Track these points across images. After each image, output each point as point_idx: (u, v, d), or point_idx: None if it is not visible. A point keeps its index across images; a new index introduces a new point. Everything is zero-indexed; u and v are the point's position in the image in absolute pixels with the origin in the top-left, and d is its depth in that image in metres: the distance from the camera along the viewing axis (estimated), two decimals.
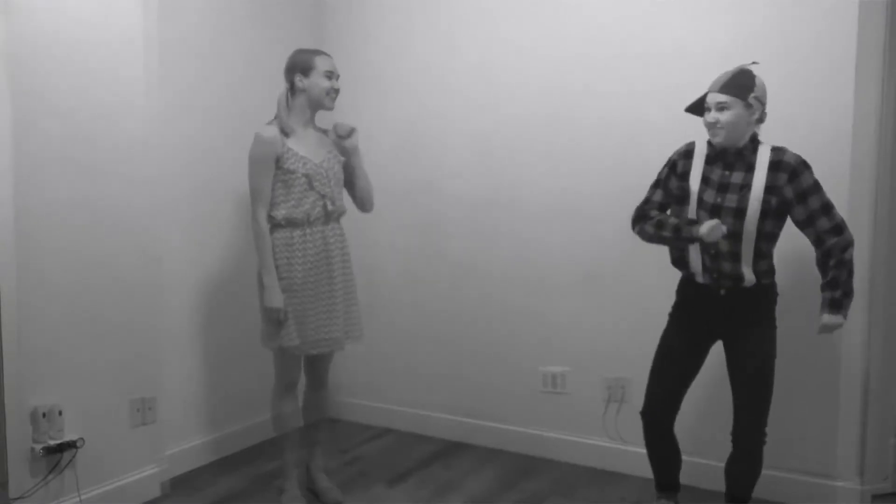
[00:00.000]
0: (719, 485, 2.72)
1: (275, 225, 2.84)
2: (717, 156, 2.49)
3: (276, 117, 2.87)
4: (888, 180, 2.86)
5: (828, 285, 2.41)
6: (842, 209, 2.81)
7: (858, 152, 2.80)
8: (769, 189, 2.40)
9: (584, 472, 3.36)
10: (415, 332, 3.85)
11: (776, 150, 2.44)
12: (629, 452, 3.31)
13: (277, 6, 3.74)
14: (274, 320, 2.83)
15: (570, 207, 3.38)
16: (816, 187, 2.41)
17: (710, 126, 2.43)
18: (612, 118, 3.21)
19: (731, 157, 2.46)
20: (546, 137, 3.41)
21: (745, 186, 2.41)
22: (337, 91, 2.91)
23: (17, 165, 2.58)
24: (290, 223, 2.83)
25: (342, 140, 2.93)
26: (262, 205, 2.82)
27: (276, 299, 2.80)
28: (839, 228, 2.41)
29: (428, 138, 3.73)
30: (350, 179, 3.01)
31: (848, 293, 2.41)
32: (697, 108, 2.51)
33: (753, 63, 2.47)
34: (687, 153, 2.55)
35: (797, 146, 2.84)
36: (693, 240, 2.43)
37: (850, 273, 2.41)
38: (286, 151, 2.81)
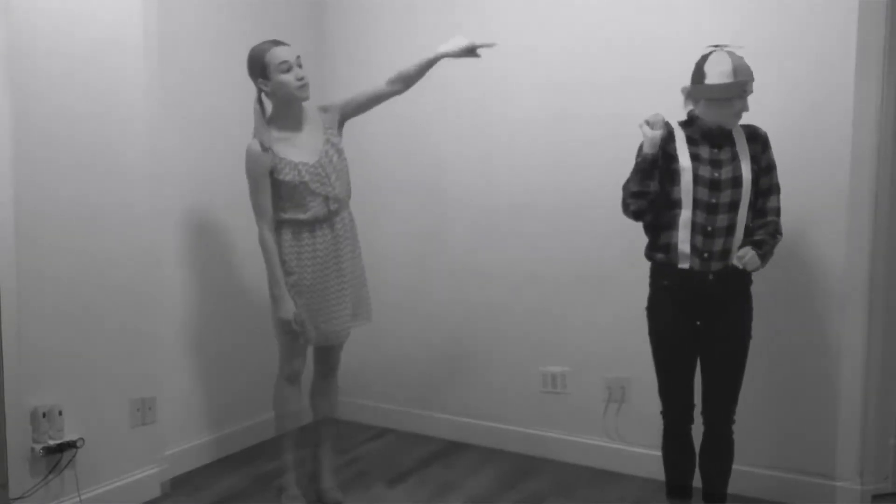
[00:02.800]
0: (734, 487, 2.72)
1: (282, 222, 2.80)
2: (700, 137, 2.53)
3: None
4: (888, 180, 2.86)
5: (756, 244, 2.45)
6: (842, 209, 2.83)
7: (858, 152, 2.80)
8: (753, 158, 2.50)
9: (584, 472, 3.36)
10: (415, 332, 3.85)
11: (746, 126, 2.53)
12: (629, 452, 3.31)
13: (277, 7, 3.74)
14: (289, 331, 2.80)
15: (569, 207, 3.37)
16: (775, 165, 2.54)
17: (736, 115, 2.47)
18: (613, 118, 3.20)
19: (717, 135, 2.51)
20: (546, 138, 3.41)
21: (735, 158, 2.49)
22: (303, 79, 2.73)
23: (17, 166, 2.58)
24: (298, 223, 2.81)
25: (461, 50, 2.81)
26: (264, 219, 2.79)
27: (287, 310, 2.78)
28: (779, 212, 2.53)
29: (428, 139, 3.73)
30: (404, 71, 2.90)
31: (765, 257, 2.46)
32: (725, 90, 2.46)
33: (739, 47, 2.50)
34: (670, 136, 2.56)
35: (797, 146, 2.86)
36: (649, 151, 2.49)
37: (770, 252, 2.49)
38: (278, 162, 2.76)
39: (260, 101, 2.82)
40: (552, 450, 3.49)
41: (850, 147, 2.80)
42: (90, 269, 2.84)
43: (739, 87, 2.42)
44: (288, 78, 2.72)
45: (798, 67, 2.87)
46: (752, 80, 2.45)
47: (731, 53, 2.45)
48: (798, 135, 2.86)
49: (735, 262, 2.43)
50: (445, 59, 2.92)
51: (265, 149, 2.74)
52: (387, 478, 3.32)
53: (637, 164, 2.54)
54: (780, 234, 2.51)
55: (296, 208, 2.79)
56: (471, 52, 2.87)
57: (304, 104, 2.85)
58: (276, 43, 2.77)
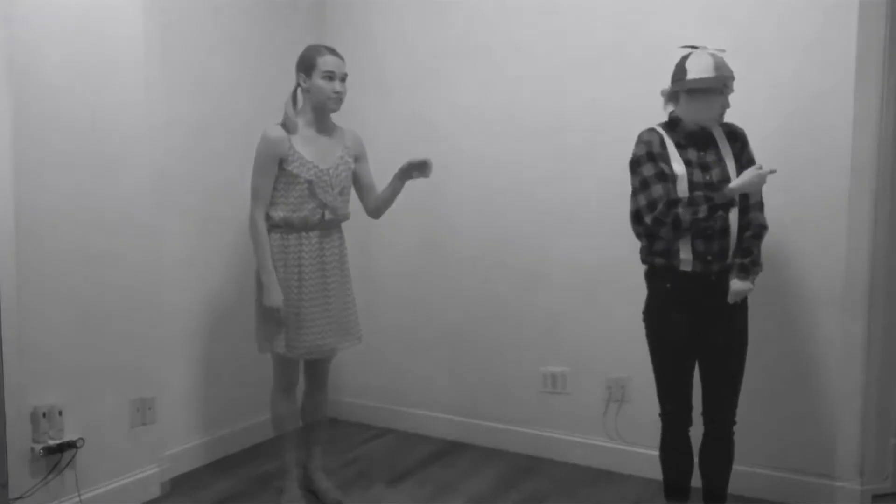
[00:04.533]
0: (734, 487, 2.72)
1: (272, 225, 2.83)
2: (686, 140, 2.52)
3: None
4: (888, 180, 2.86)
5: (740, 252, 2.48)
6: (842, 209, 2.83)
7: (858, 152, 2.80)
8: (735, 157, 2.51)
9: (584, 472, 3.36)
10: (415, 332, 3.85)
11: (724, 124, 2.54)
12: (629, 452, 3.31)
13: (278, 5, 3.74)
14: (274, 319, 2.82)
15: (570, 208, 3.38)
16: (754, 161, 2.52)
17: (719, 113, 2.48)
18: (614, 119, 3.21)
19: (700, 137, 2.52)
20: (548, 137, 3.41)
21: (721, 159, 2.50)
22: (339, 93, 2.83)
23: (17, 165, 2.58)
24: (287, 226, 2.82)
25: (411, 173, 2.90)
26: (260, 204, 2.81)
27: (276, 298, 2.79)
28: (762, 206, 2.52)
29: (429, 138, 3.73)
30: (381, 193, 3.01)
31: (756, 262, 2.50)
32: (711, 83, 2.45)
33: (721, 51, 2.49)
34: (662, 142, 2.54)
35: (797, 147, 2.87)
36: (729, 201, 2.40)
37: (759, 249, 2.51)
38: (292, 154, 2.79)
39: (294, 94, 2.88)
40: (552, 450, 3.49)
41: (850, 147, 2.80)
42: (90, 269, 2.84)
43: (721, 80, 2.44)
44: (326, 86, 2.80)
45: (798, 67, 2.87)
46: (733, 77, 2.46)
47: (711, 52, 2.47)
48: (798, 135, 2.86)
49: (730, 301, 2.48)
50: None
51: (289, 131, 2.80)
52: (387, 478, 3.32)
53: (700, 212, 2.39)
54: (765, 226, 2.52)
55: (290, 205, 2.80)
56: (417, 169, 2.91)
57: (333, 117, 2.94)
58: (332, 52, 2.85)
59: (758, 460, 3.02)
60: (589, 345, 3.38)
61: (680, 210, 2.41)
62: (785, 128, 2.82)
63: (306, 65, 2.82)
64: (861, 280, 2.83)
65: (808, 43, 2.85)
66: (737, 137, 2.52)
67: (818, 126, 2.85)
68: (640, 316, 2.66)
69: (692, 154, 2.50)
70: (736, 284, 2.47)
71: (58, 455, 2.73)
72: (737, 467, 2.67)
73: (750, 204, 2.50)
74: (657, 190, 2.45)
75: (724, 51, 2.49)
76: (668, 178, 2.46)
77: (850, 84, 2.78)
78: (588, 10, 3.28)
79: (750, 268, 2.48)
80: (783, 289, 2.94)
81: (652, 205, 2.45)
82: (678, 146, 2.52)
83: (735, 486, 2.78)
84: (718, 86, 2.44)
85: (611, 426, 3.37)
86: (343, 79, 2.85)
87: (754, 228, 2.50)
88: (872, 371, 2.88)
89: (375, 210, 3.07)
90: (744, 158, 2.51)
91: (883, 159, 2.82)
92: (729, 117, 2.55)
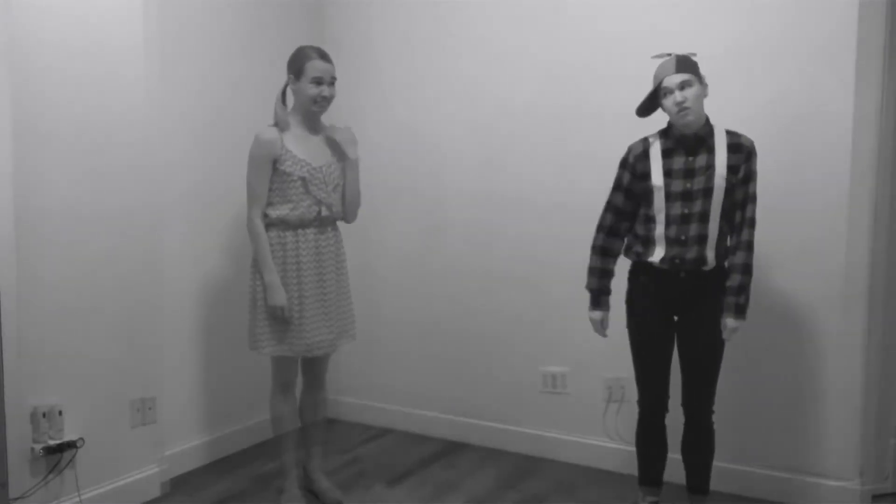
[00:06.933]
0: (734, 488, 2.71)
1: (269, 224, 2.84)
2: (676, 145, 2.52)
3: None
4: (888, 180, 2.86)
5: (735, 290, 2.49)
6: (842, 209, 2.83)
7: (858, 152, 2.80)
8: (730, 168, 2.47)
9: (584, 472, 3.36)
10: (415, 332, 3.85)
11: (732, 133, 2.51)
12: (629, 452, 3.30)
13: (279, 7, 3.74)
14: (278, 318, 2.82)
15: (570, 207, 3.37)
16: (756, 175, 2.51)
17: (678, 106, 2.43)
18: (613, 118, 3.21)
19: (692, 142, 2.50)
20: (546, 137, 3.41)
21: (710, 167, 2.48)
22: (325, 98, 2.83)
23: (17, 166, 2.57)
24: (284, 224, 2.83)
25: (343, 143, 2.90)
26: (257, 205, 2.82)
27: (280, 297, 2.80)
28: (753, 221, 2.51)
29: (429, 138, 3.73)
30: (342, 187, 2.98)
31: (748, 296, 2.52)
32: (649, 106, 2.55)
33: (692, 54, 2.51)
34: (644, 154, 2.57)
35: (797, 147, 2.86)
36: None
37: (751, 275, 2.51)
38: (284, 153, 2.80)
39: (283, 93, 2.89)
40: (552, 450, 3.49)
41: (850, 147, 2.80)
42: (90, 269, 2.84)
43: (652, 97, 2.50)
44: (312, 90, 2.81)
45: (798, 67, 2.87)
46: (684, 73, 2.43)
47: (667, 57, 2.49)
48: (798, 135, 2.86)
49: (725, 338, 2.54)
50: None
51: (281, 129, 2.82)
52: (387, 478, 3.32)
53: (592, 280, 2.71)
54: (752, 249, 2.51)
55: (286, 204, 2.82)
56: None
57: (323, 118, 2.95)
58: (322, 56, 2.84)
59: (758, 460, 3.02)
60: (589, 345, 3.37)
61: (594, 255, 2.69)
62: (785, 128, 2.82)
63: (295, 67, 2.83)
64: (861, 280, 2.83)
65: (808, 44, 2.85)
66: (740, 149, 2.48)
67: (818, 126, 2.84)
68: None
69: (678, 161, 2.52)
70: (732, 323, 2.50)
71: (58, 455, 2.73)
72: (736, 467, 2.67)
73: (745, 217, 2.48)
74: (609, 197, 2.66)
75: (695, 54, 2.52)
76: (623, 189, 2.61)
77: (850, 85, 2.78)
78: (588, 12, 3.28)
79: (745, 306, 2.50)
80: (783, 288, 2.94)
81: (598, 228, 2.69)
82: (665, 153, 2.53)
83: (735, 486, 2.78)
84: (651, 102, 2.52)
85: (611, 426, 3.37)
86: (331, 83, 2.85)
87: (742, 254, 2.49)
88: (872, 371, 2.88)
89: (343, 213, 2.99)
90: (742, 171, 2.47)
91: (883, 160, 2.82)
92: (729, 119, 2.55)
